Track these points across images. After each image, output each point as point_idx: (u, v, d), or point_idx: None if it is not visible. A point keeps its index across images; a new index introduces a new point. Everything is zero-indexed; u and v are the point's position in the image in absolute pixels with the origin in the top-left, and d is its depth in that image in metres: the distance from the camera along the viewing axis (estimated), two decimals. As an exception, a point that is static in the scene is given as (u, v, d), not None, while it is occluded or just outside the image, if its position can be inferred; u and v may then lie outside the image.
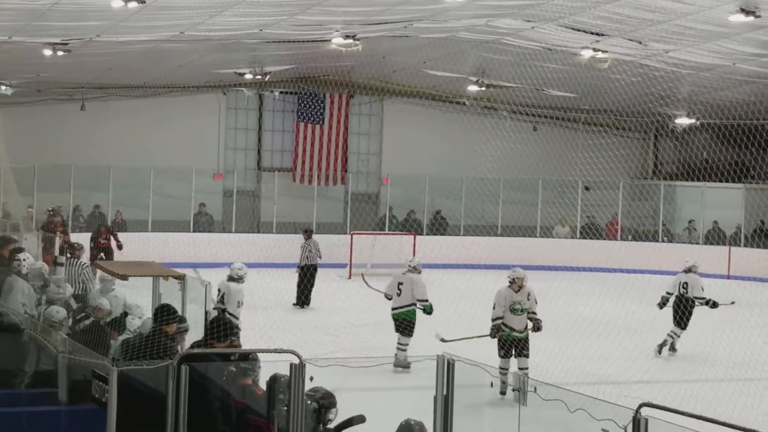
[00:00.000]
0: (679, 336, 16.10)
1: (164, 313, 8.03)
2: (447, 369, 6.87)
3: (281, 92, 28.52)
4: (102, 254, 21.72)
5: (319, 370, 6.67)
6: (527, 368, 12.40)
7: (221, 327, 7.64)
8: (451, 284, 21.52)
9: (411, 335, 14.18)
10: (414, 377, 12.81)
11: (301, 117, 28.90)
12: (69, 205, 25.77)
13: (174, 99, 27.66)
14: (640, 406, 5.83)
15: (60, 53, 19.41)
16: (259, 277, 18.07)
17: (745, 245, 27.23)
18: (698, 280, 16.34)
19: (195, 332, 9.77)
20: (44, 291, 11.56)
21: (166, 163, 26.71)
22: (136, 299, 11.54)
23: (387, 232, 27.58)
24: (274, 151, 29.25)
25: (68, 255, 14.45)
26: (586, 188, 28.28)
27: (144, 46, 19.99)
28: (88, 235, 22.32)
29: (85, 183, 26.18)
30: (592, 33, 19.38)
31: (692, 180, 27.82)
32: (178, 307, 9.31)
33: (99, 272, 12.86)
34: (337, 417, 7.09)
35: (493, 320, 12.80)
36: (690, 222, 28.86)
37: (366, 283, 16.75)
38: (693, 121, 27.06)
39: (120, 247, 21.87)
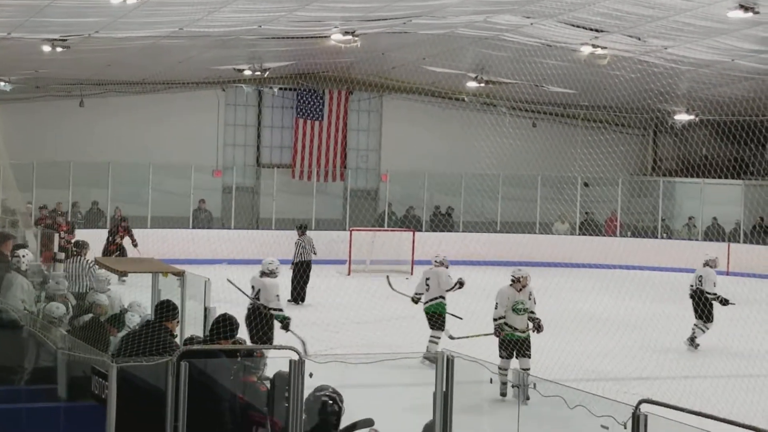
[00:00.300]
0: (703, 330, 16.20)
1: (165, 309, 8.03)
2: (447, 365, 6.86)
3: (280, 88, 28.48)
4: (118, 252, 21.96)
5: (319, 366, 6.66)
6: (529, 368, 12.27)
7: (226, 325, 7.61)
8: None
9: (443, 328, 14.43)
10: (414, 374, 12.78)
11: (300, 113, 28.86)
12: (68, 202, 25.78)
13: (173, 95, 27.64)
14: (640, 402, 5.81)
15: (59, 49, 19.37)
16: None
17: (745, 241, 27.23)
18: (711, 275, 16.42)
19: (195, 328, 9.78)
20: (43, 287, 11.57)
21: (165, 159, 26.69)
22: (135, 296, 11.54)
23: (386, 228, 27.59)
24: (273, 147, 29.23)
25: (74, 252, 14.49)
26: (586, 184, 28.25)
27: (143, 42, 19.97)
28: (87, 231, 22.31)
29: (83, 179, 26.16)
30: (591, 29, 19.37)
31: (691, 176, 27.82)
32: (177, 303, 9.29)
33: (97, 270, 12.87)
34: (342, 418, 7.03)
35: (495, 320, 12.73)
36: (689, 218, 28.85)
37: (390, 285, 16.57)
38: (692, 117, 27.02)
39: (135, 245, 22.03)
